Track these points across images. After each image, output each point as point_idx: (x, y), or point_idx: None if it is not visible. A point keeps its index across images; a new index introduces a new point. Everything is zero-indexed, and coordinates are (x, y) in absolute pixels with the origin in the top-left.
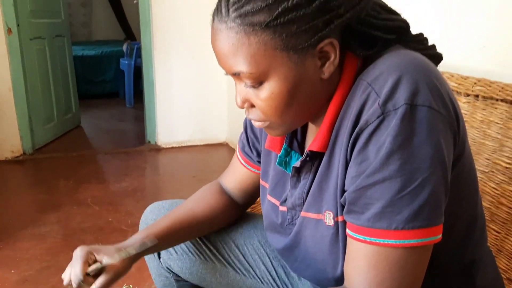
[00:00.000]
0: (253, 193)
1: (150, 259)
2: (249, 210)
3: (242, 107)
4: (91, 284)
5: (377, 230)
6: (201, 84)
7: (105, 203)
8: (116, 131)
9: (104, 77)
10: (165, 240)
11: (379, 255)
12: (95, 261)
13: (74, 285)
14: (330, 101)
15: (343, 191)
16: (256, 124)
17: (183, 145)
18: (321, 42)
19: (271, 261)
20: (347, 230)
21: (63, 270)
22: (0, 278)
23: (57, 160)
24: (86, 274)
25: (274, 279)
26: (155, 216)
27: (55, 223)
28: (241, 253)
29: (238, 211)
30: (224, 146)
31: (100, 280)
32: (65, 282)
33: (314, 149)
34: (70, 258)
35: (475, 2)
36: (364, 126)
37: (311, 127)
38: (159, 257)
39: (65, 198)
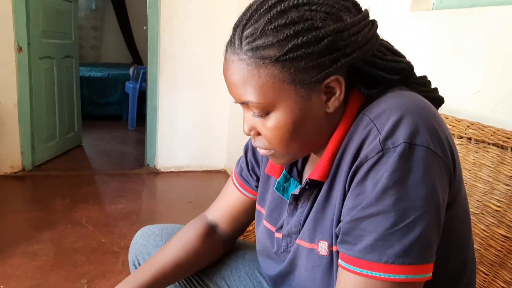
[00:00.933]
0: (243, 222)
1: None
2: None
3: (248, 134)
4: None
5: (368, 262)
6: (203, 112)
7: (100, 224)
8: (116, 152)
9: (109, 99)
10: None
11: (368, 287)
12: None
13: None
14: (333, 133)
15: (339, 222)
16: (262, 151)
17: (181, 170)
18: (327, 78)
19: None
20: (339, 260)
21: None
22: None
23: (55, 178)
24: None
25: None
26: (145, 242)
27: (48, 242)
28: (228, 284)
29: (225, 247)
30: (222, 173)
31: None
32: None
33: (315, 177)
34: (60, 277)
35: (471, 51)
36: (363, 160)
37: (312, 157)
38: None
39: (60, 217)
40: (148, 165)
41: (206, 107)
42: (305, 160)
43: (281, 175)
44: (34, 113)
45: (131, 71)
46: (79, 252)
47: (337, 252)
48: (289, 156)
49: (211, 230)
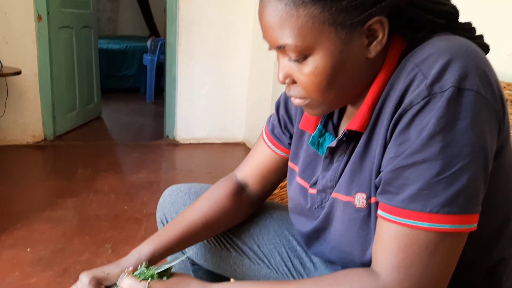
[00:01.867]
0: (273, 181)
1: None
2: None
3: (283, 83)
4: None
5: (411, 211)
6: (222, 83)
7: (122, 193)
8: (135, 124)
9: (127, 72)
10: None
11: (410, 238)
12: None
13: None
14: (372, 82)
15: (378, 173)
16: (296, 101)
17: (200, 142)
18: (370, 19)
19: (286, 252)
20: (379, 211)
21: (77, 253)
22: (16, 255)
23: (76, 148)
24: None
25: (289, 270)
26: (173, 200)
27: (72, 208)
28: (256, 243)
29: (254, 207)
30: (241, 146)
31: None
32: None
33: (353, 128)
34: (84, 242)
35: (507, 10)
36: (408, 107)
37: (349, 110)
38: None
39: (82, 185)
40: (168, 136)
41: (224, 78)
42: (341, 114)
43: (316, 129)
44: (54, 83)
45: (149, 43)
46: (102, 218)
47: (376, 204)
48: (325, 106)
49: (240, 189)
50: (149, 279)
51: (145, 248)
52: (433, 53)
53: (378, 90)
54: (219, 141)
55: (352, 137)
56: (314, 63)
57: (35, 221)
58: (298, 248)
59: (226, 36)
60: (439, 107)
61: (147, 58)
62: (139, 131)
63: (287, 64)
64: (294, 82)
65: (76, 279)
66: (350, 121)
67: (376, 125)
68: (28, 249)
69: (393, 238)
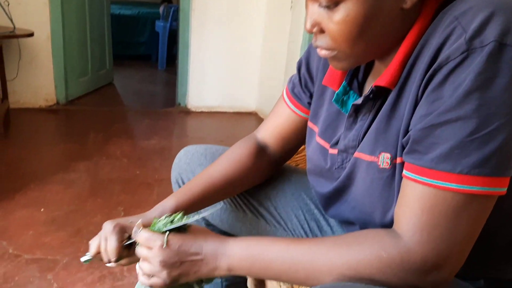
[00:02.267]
0: (293, 143)
1: None
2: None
3: (310, 32)
4: (125, 258)
5: (440, 172)
6: (235, 51)
7: (134, 158)
8: (147, 91)
9: (139, 38)
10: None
11: (437, 199)
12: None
13: (112, 259)
14: (405, 36)
15: (406, 132)
16: (322, 52)
17: (212, 110)
18: None
19: (303, 215)
20: (404, 172)
21: (90, 215)
22: (30, 215)
23: (88, 113)
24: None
25: (305, 232)
26: (189, 160)
27: (84, 171)
28: (273, 205)
29: (273, 168)
30: (253, 115)
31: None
32: (91, 252)
33: (382, 84)
34: (97, 204)
35: None
36: (444, 62)
37: (376, 67)
38: None
39: (95, 149)
40: (179, 104)
41: (238, 46)
42: (366, 72)
43: (341, 86)
44: (66, 47)
45: (161, 9)
46: (114, 182)
47: (401, 164)
48: (353, 59)
49: (260, 150)
50: (167, 232)
51: (169, 202)
52: (474, 6)
53: (411, 45)
54: (231, 110)
55: (379, 94)
56: (346, 11)
57: (48, 182)
58: (316, 211)
59: (241, 2)
60: (477, 63)
61: (159, 25)
62: (150, 98)
63: (317, 11)
64: (322, 31)
65: (89, 239)
66: (379, 77)
67: (407, 82)
68: (42, 209)
69: (418, 199)
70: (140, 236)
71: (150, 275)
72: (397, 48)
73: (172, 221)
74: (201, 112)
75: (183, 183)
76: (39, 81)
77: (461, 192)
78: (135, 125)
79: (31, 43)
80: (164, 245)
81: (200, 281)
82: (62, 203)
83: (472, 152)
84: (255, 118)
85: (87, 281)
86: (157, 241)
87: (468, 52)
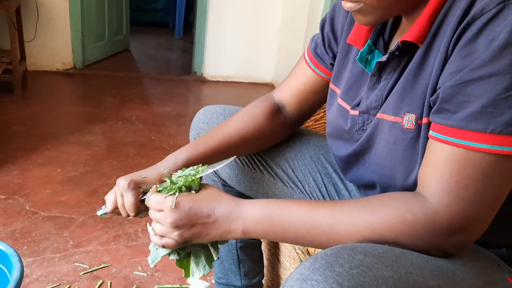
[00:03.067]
0: (311, 104)
1: None
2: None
3: None
4: (142, 212)
5: (470, 132)
6: (254, 21)
7: (149, 123)
8: (163, 59)
9: (155, 5)
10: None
11: (466, 160)
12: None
13: (132, 214)
14: None
15: (434, 90)
16: (348, 5)
17: (228, 80)
18: None
19: (321, 178)
20: (431, 132)
21: (105, 176)
22: (47, 174)
23: (105, 78)
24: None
25: (323, 196)
26: (207, 120)
27: (100, 134)
28: (291, 167)
29: (290, 130)
30: (268, 86)
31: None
32: (108, 208)
33: (409, 39)
34: (112, 166)
35: None
36: (478, 14)
37: (403, 24)
38: None
39: (110, 113)
40: (195, 72)
41: (256, 15)
42: (393, 31)
43: (365, 45)
44: (84, 10)
45: None
46: (129, 146)
47: (427, 125)
48: (379, 12)
49: (277, 109)
50: (177, 193)
51: (182, 153)
52: None
53: None
54: (247, 80)
55: (405, 51)
56: None
57: (65, 143)
58: (334, 175)
59: None
60: None
61: None
62: (166, 66)
63: None
64: None
65: (104, 200)
66: (407, 32)
67: (436, 37)
68: (59, 169)
69: (446, 160)
70: (151, 200)
71: (161, 236)
72: (426, 2)
73: (179, 188)
74: (217, 81)
75: None
76: (56, 44)
77: (493, 153)
78: (151, 91)
79: (48, 4)
80: (173, 206)
81: (215, 242)
82: (78, 163)
83: (506, 111)
84: (271, 89)
85: (102, 240)
86: (167, 202)
87: (504, 3)
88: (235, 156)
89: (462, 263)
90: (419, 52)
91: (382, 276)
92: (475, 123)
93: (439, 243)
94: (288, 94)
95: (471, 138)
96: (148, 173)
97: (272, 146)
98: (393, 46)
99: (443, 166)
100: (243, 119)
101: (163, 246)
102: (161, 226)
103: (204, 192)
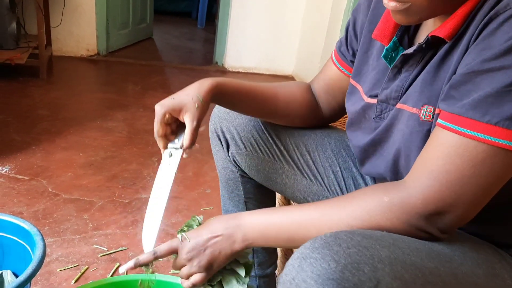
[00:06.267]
0: (339, 100)
1: (217, 151)
2: None
3: None
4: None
5: (467, 119)
6: (277, 13)
7: None
8: (185, 48)
9: None
10: (235, 97)
11: (457, 147)
12: (176, 119)
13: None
14: None
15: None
16: (391, 5)
17: (249, 71)
18: None
19: (341, 172)
20: (438, 120)
21: (125, 162)
22: (69, 158)
23: (127, 66)
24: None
25: (341, 189)
26: (228, 110)
27: (122, 121)
28: (312, 159)
29: (319, 120)
30: (289, 79)
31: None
32: (159, 134)
33: (441, 35)
34: (133, 153)
35: None
36: (501, 10)
37: (428, 23)
38: (228, 150)
39: (132, 100)
40: (217, 63)
41: (279, 7)
42: (416, 28)
43: (391, 42)
44: None
45: None
46: (150, 133)
47: (438, 115)
48: (426, 13)
49: (312, 93)
50: (181, 232)
51: (208, 80)
52: None
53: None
54: (267, 72)
55: (432, 46)
56: None
57: (87, 128)
58: (354, 169)
59: None
60: None
61: None
62: (188, 55)
63: None
64: None
65: (124, 185)
66: (438, 27)
67: (464, 34)
68: (81, 154)
69: (439, 145)
70: (162, 252)
71: (187, 276)
72: (465, 1)
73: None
74: (238, 72)
75: (222, 132)
76: (82, 30)
77: (485, 143)
78: (172, 80)
79: None
80: (181, 240)
81: (236, 261)
82: (100, 148)
83: (505, 104)
84: None
85: (120, 224)
86: (175, 242)
87: None
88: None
89: (462, 251)
90: (445, 47)
91: (378, 256)
92: (473, 111)
93: (417, 224)
94: (319, 87)
95: (467, 126)
96: (177, 96)
97: (297, 125)
98: (416, 43)
99: (435, 151)
100: (281, 86)
101: (194, 286)
102: (183, 268)
103: (205, 222)
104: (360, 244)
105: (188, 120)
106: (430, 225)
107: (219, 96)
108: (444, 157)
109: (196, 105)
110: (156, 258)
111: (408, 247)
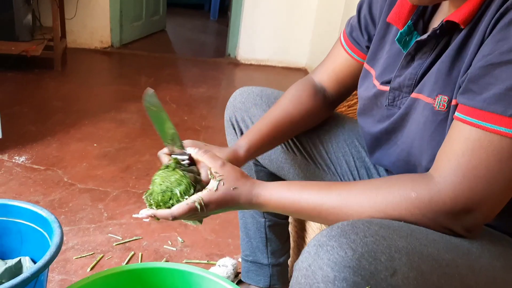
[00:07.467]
0: (348, 86)
1: (232, 140)
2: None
3: None
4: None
5: (490, 113)
6: (289, 5)
7: (182, 104)
8: (198, 40)
9: None
10: (265, 146)
11: (482, 142)
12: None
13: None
14: None
15: (466, 73)
16: None
17: (261, 64)
18: None
19: (354, 161)
20: (456, 113)
21: (138, 153)
22: (84, 149)
23: (140, 58)
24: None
25: (354, 179)
26: (244, 100)
27: (135, 112)
28: (325, 149)
29: (329, 111)
30: (302, 71)
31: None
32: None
33: (455, 20)
34: (146, 144)
35: None
36: None
37: (444, 6)
38: None
39: None
40: (229, 55)
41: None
42: (431, 14)
43: (405, 26)
44: None
45: None
46: None
47: (455, 106)
48: None
49: (318, 91)
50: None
51: (242, 141)
52: None
53: None
54: (280, 65)
55: (446, 32)
56: None
57: (101, 120)
58: (367, 159)
59: None
60: None
61: None
62: (201, 48)
63: None
64: None
65: (138, 176)
66: (453, 12)
67: (479, 22)
68: (95, 145)
69: (463, 140)
70: (178, 213)
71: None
72: None
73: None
74: (250, 65)
75: (237, 122)
76: (96, 22)
77: (510, 137)
78: (185, 72)
79: None
80: (199, 210)
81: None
82: (114, 140)
83: None
84: (304, 74)
85: (134, 213)
86: (198, 208)
87: None
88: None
89: (480, 244)
90: (461, 35)
91: (395, 246)
92: (496, 105)
93: (444, 222)
94: (326, 76)
95: (490, 120)
96: (212, 148)
97: (312, 127)
98: (431, 28)
99: (458, 146)
100: (290, 102)
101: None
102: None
103: (225, 188)
104: (377, 233)
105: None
106: (456, 223)
107: (251, 158)
108: (469, 153)
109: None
110: (174, 218)
111: (426, 238)
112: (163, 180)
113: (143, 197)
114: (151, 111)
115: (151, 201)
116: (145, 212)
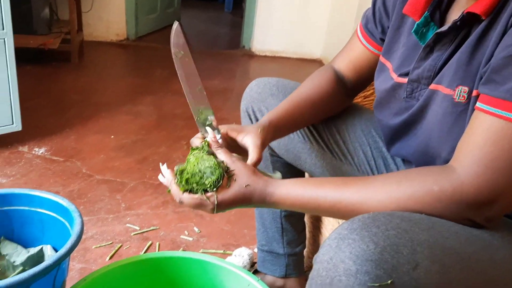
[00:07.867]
0: (366, 76)
1: None
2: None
3: None
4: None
5: None
6: None
7: None
8: (212, 32)
9: None
10: (287, 125)
11: (504, 132)
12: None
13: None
14: None
15: (487, 63)
16: None
17: (276, 55)
18: None
19: (371, 151)
20: (477, 103)
21: (154, 145)
22: (101, 141)
23: (156, 50)
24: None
25: (371, 169)
26: (260, 90)
27: (151, 105)
28: (342, 139)
29: (349, 99)
30: (317, 63)
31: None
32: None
33: (476, 11)
34: (162, 136)
35: None
36: None
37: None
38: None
39: (160, 85)
40: (244, 47)
41: None
42: (448, 5)
43: (422, 17)
44: None
45: None
46: (178, 117)
47: (476, 97)
48: None
49: (338, 78)
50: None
51: (264, 118)
52: None
53: None
54: (295, 56)
55: (467, 24)
56: None
57: (118, 112)
58: (384, 149)
59: None
60: None
61: None
62: (215, 40)
63: None
64: None
65: (154, 168)
66: (474, 4)
67: (501, 13)
68: (112, 137)
69: (485, 130)
70: (190, 202)
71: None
72: None
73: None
74: (265, 56)
75: (253, 112)
76: (111, 15)
77: None
78: (199, 64)
79: None
80: (215, 210)
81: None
82: (130, 132)
83: None
84: (319, 66)
85: (151, 204)
86: (207, 206)
87: None
88: None
89: (501, 235)
90: (481, 26)
91: (417, 239)
92: None
93: (466, 214)
94: (344, 66)
95: None
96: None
97: (331, 115)
98: (448, 19)
99: (480, 137)
100: (312, 86)
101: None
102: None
103: (237, 186)
104: (399, 226)
105: (250, 140)
106: (478, 214)
107: (275, 135)
108: (491, 143)
109: (259, 130)
110: (180, 203)
111: (447, 231)
112: (197, 161)
113: (175, 167)
114: (178, 59)
115: (178, 176)
116: (165, 170)
